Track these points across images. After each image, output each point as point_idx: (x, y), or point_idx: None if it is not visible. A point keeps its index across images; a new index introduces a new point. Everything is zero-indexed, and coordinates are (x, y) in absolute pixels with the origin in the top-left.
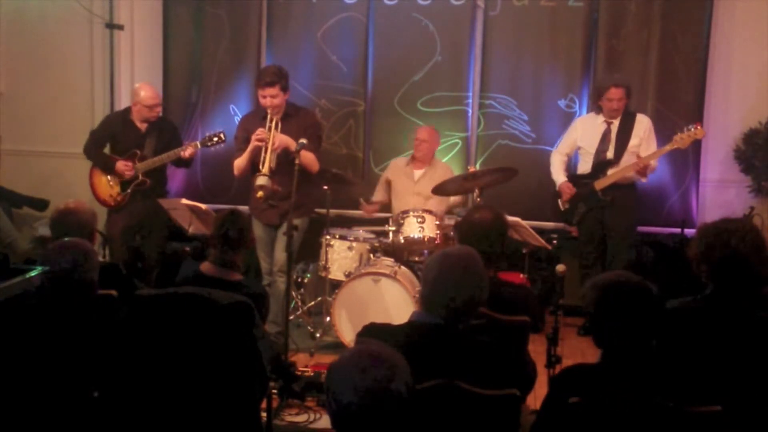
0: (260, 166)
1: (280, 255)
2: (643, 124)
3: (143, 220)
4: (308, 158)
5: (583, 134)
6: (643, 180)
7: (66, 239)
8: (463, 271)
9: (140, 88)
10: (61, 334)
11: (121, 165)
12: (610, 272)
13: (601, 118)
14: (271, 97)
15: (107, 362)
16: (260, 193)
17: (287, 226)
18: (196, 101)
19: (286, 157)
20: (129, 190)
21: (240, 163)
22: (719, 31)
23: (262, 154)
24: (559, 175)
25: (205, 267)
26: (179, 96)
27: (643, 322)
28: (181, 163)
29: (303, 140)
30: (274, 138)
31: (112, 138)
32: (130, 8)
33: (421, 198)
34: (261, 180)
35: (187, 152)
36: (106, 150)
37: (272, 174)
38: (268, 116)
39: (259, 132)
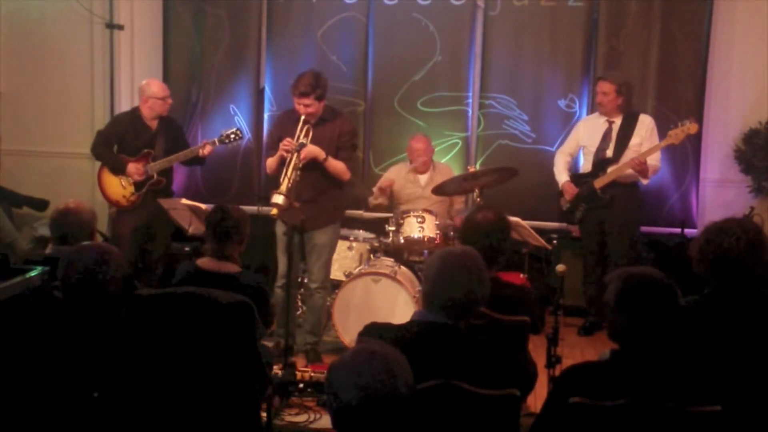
0: (281, 179)
1: (319, 272)
2: (645, 123)
3: (152, 220)
4: (337, 167)
5: (585, 133)
6: (644, 182)
7: (89, 243)
8: (464, 268)
9: (149, 83)
10: (64, 335)
11: (132, 168)
12: (636, 266)
13: (603, 118)
14: (305, 106)
15: (108, 362)
16: (274, 211)
17: (289, 227)
18: (196, 101)
19: (315, 163)
20: (144, 190)
21: (272, 165)
22: (719, 31)
23: (285, 168)
24: (561, 175)
25: (202, 262)
26: (179, 96)
27: (664, 321)
28: (195, 161)
29: (303, 140)
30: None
31: (121, 138)
32: (130, 8)
33: (430, 202)
34: (276, 198)
35: (205, 150)
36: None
37: (300, 177)
38: (300, 125)
39: (287, 143)
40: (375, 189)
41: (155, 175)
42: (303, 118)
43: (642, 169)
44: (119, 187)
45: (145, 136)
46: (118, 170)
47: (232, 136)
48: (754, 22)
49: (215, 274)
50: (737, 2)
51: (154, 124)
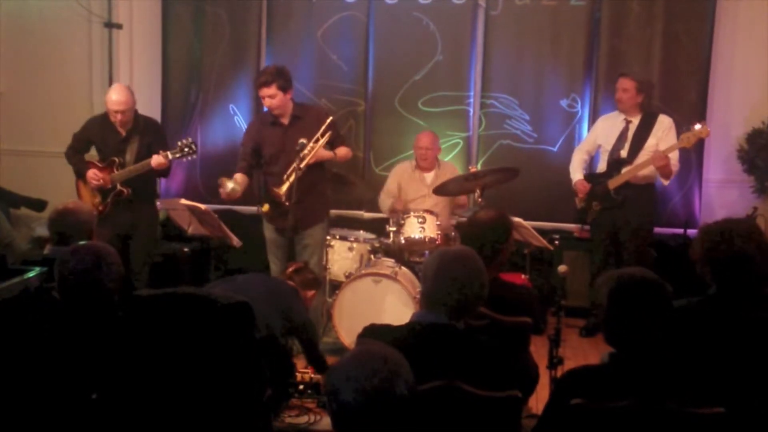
0: (284, 178)
1: None
2: (663, 124)
3: (129, 229)
4: (342, 153)
5: (603, 132)
6: (665, 182)
7: (86, 243)
8: (462, 266)
9: (111, 89)
10: (63, 335)
11: (90, 174)
12: (626, 267)
13: (621, 117)
14: (269, 98)
15: (106, 363)
16: (266, 207)
17: (290, 228)
18: (195, 101)
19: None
20: (109, 200)
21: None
22: (722, 30)
23: (288, 172)
24: (575, 173)
25: None
26: (179, 96)
27: (657, 320)
28: (157, 172)
29: (303, 140)
30: (315, 152)
31: (95, 144)
32: (129, 7)
33: (435, 200)
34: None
35: (155, 163)
36: (94, 154)
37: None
38: (322, 128)
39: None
40: (393, 202)
41: (118, 186)
42: (328, 122)
43: (664, 164)
44: (91, 196)
45: (115, 142)
46: (82, 177)
47: (186, 150)
48: (757, 21)
49: None
50: (740, 1)
51: (124, 130)
